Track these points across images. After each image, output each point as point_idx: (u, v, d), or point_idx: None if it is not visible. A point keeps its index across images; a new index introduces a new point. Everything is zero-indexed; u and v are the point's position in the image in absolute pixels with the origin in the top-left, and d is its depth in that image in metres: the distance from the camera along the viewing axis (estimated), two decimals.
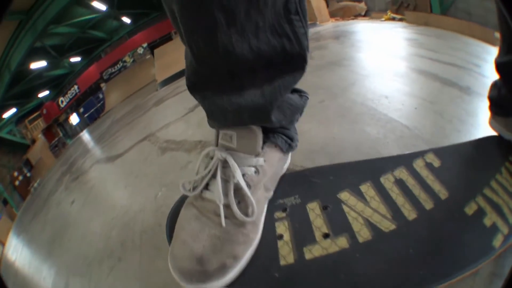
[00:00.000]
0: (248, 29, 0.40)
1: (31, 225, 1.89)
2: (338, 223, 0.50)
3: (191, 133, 1.43)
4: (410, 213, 0.48)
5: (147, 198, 0.99)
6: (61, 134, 8.47)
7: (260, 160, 0.53)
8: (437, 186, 0.52)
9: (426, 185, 0.53)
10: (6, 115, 8.39)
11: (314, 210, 0.53)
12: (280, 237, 0.50)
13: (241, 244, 0.46)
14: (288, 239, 0.49)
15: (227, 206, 0.47)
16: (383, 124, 0.87)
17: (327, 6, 4.93)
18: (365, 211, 0.50)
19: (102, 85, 8.75)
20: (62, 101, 9.21)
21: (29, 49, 7.03)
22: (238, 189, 0.48)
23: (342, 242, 0.47)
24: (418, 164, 0.57)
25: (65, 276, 0.92)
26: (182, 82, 3.76)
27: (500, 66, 0.59)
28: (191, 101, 2.08)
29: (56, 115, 9.04)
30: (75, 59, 9.43)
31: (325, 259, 0.45)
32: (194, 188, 0.52)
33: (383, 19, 3.81)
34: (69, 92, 9.24)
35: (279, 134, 0.58)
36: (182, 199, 0.60)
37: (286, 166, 0.66)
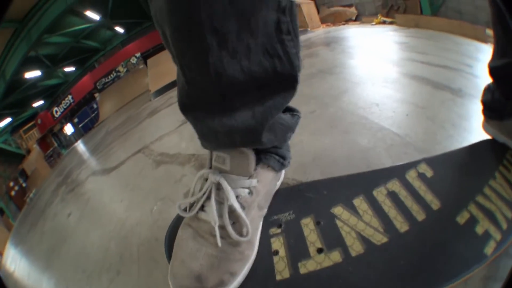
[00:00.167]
0: (239, 50, 0.40)
1: (28, 236, 1.87)
2: (332, 238, 0.51)
3: (185, 146, 1.44)
4: (402, 225, 0.49)
5: (143, 211, 0.99)
6: (56, 144, 8.38)
7: (254, 182, 0.53)
8: (429, 197, 0.53)
9: (418, 196, 0.54)
10: (1, 124, 8.33)
11: (308, 225, 0.54)
12: (276, 252, 0.51)
13: (237, 261, 0.47)
14: (284, 255, 0.50)
15: (222, 227, 0.48)
16: (374, 133, 0.88)
17: (318, 12, 4.95)
18: (358, 225, 0.51)
19: (96, 95, 8.71)
20: (56, 111, 9.13)
21: (24, 59, 6.99)
22: (232, 211, 0.49)
23: (336, 256, 0.48)
24: (411, 175, 0.58)
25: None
26: (175, 92, 3.74)
27: (493, 70, 0.59)
28: None
29: (51, 125, 8.95)
30: (69, 68, 9.36)
31: (319, 273, 0.46)
32: (190, 209, 0.53)
33: (374, 23, 3.82)
34: (63, 102, 9.16)
35: (271, 154, 0.58)
36: (178, 218, 0.61)
37: (279, 182, 0.67)
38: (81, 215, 1.44)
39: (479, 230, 0.47)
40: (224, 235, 0.48)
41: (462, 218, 0.48)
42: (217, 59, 0.39)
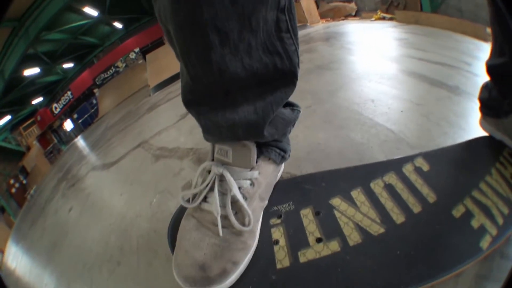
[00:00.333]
0: (241, 48, 0.42)
1: (29, 232, 1.88)
2: (330, 228, 0.52)
3: (183, 140, 1.46)
4: (398, 217, 0.51)
5: (142, 204, 1.01)
6: (55, 141, 8.40)
7: (255, 173, 0.55)
8: (425, 190, 0.54)
9: (414, 189, 0.55)
10: (1, 122, 8.32)
11: (307, 216, 0.55)
12: (276, 242, 0.53)
13: (239, 250, 0.49)
14: (284, 244, 0.52)
15: (225, 217, 0.50)
16: (368, 129, 0.89)
17: (317, 7, 4.95)
18: (355, 216, 0.53)
19: (95, 90, 8.71)
20: (55, 108, 9.15)
21: (22, 56, 6.97)
22: (235, 201, 0.51)
23: (334, 245, 0.49)
24: (408, 169, 0.59)
25: (66, 282, 0.93)
26: (174, 87, 3.78)
27: (491, 68, 0.59)
28: (183, 108, 2.07)
29: (50, 121, 8.97)
30: (68, 65, 9.36)
31: (318, 262, 0.48)
32: (193, 200, 0.54)
33: (373, 18, 3.83)
34: (62, 98, 9.17)
35: (272, 147, 0.60)
36: (181, 210, 0.62)
37: (279, 174, 0.68)
38: (82, 210, 1.46)
39: (475, 224, 0.47)
40: (227, 225, 0.50)
41: (457, 212, 0.49)
42: (220, 56, 0.41)
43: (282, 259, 0.49)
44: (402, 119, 0.90)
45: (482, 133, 0.66)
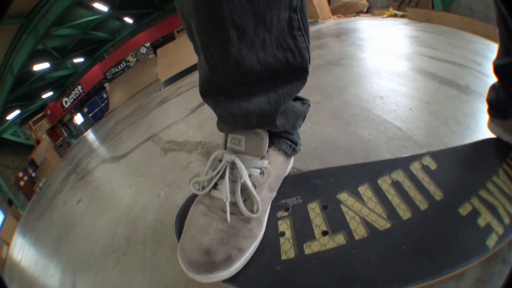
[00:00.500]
0: (256, 43, 0.45)
1: (37, 224, 1.91)
2: (336, 222, 0.53)
3: (192, 134, 1.47)
4: (405, 213, 0.51)
5: (150, 196, 1.03)
6: (65, 134, 8.48)
7: (265, 163, 0.57)
8: (432, 188, 0.54)
9: (421, 187, 0.55)
10: (10, 116, 8.41)
11: (314, 209, 0.56)
12: (282, 234, 0.53)
13: (246, 238, 0.50)
14: (290, 236, 0.53)
15: (234, 204, 0.51)
16: (376, 125, 0.89)
17: (329, 3, 4.93)
18: (362, 210, 0.53)
19: (106, 84, 8.77)
20: (66, 102, 9.22)
21: (32, 52, 7.01)
22: (244, 189, 0.53)
23: (340, 239, 0.50)
24: (415, 167, 0.59)
25: (72, 272, 0.95)
26: (185, 81, 3.80)
27: (498, 68, 0.59)
28: (193, 102, 2.12)
29: (61, 115, 9.05)
30: (78, 60, 9.42)
31: (323, 254, 0.48)
32: (203, 188, 0.56)
33: (385, 15, 3.81)
34: (73, 92, 9.25)
35: (283, 139, 0.62)
36: (189, 200, 0.63)
37: (289, 168, 0.70)
38: (90, 201, 1.48)
39: (481, 222, 0.47)
40: (235, 211, 0.51)
41: (464, 210, 0.49)
42: (237, 50, 0.44)
43: (287, 250, 0.50)
44: (411, 117, 0.89)
45: (490, 134, 0.66)
